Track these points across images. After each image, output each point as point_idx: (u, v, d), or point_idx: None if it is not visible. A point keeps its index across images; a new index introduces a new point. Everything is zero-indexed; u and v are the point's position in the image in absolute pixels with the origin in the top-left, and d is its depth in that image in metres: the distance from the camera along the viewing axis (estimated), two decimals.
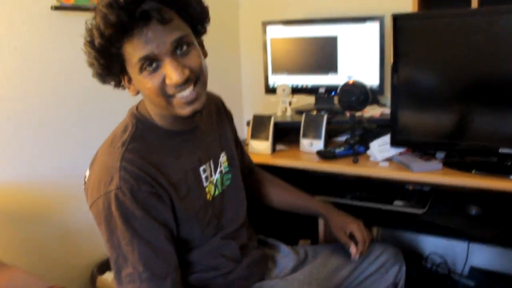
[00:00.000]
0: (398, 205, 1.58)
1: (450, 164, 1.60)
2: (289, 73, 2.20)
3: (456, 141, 1.59)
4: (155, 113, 1.17)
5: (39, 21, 1.81)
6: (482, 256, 2.14)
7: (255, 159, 1.83)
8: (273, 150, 1.90)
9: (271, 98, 2.20)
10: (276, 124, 1.92)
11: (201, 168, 1.22)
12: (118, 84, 1.17)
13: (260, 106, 2.52)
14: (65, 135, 1.92)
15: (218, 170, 1.28)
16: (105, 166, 1.10)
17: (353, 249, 1.39)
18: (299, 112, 2.11)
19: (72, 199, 1.94)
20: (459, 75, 1.57)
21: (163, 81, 1.05)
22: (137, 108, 1.21)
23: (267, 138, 1.89)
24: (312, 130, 1.88)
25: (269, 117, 1.91)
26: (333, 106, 2.13)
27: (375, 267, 1.46)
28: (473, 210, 1.51)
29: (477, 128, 1.55)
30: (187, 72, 1.05)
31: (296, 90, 2.18)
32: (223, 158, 1.31)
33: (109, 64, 1.07)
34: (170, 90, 1.06)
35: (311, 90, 2.18)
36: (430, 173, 1.55)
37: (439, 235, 1.54)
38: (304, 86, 2.18)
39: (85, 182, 1.17)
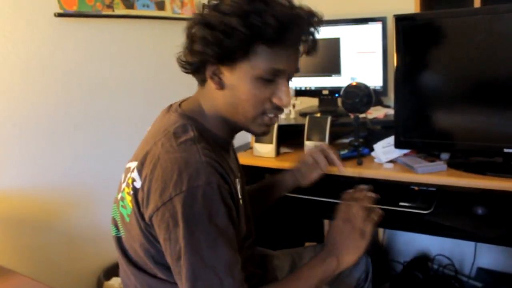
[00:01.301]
0: (404, 206, 1.58)
1: (454, 165, 1.60)
2: None
3: (460, 141, 1.58)
4: (214, 117, 1.14)
5: (43, 28, 1.82)
6: (489, 257, 2.12)
7: (260, 163, 1.83)
8: (277, 153, 1.90)
9: None
10: (280, 127, 1.92)
11: (237, 180, 1.18)
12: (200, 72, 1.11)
13: None
14: (70, 141, 1.93)
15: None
16: (185, 162, 1.00)
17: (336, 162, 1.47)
18: (303, 114, 2.11)
19: (77, 205, 1.95)
20: (462, 74, 1.57)
21: (269, 97, 1.08)
22: (180, 108, 1.17)
23: (271, 141, 1.89)
24: (316, 133, 1.87)
25: None
26: (337, 108, 2.13)
27: None
28: (479, 210, 1.50)
29: (482, 128, 1.54)
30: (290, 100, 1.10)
31: (299, 93, 2.17)
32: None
33: (234, 45, 1.01)
34: (268, 108, 1.09)
35: (314, 92, 2.18)
36: (434, 174, 1.55)
37: (445, 235, 1.53)
38: (308, 88, 2.18)
39: (136, 188, 1.08)
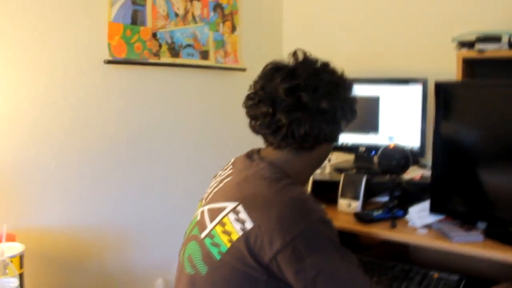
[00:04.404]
0: None
1: (492, 235, 1.56)
2: None
3: (498, 210, 1.55)
4: (304, 167, 1.31)
5: (92, 74, 1.91)
6: None
7: None
8: None
9: None
10: (315, 182, 1.93)
11: None
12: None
13: None
14: (108, 185, 1.98)
15: None
16: (299, 199, 1.15)
17: None
18: (338, 169, 2.11)
19: (110, 247, 1.98)
20: (502, 141, 1.55)
21: None
22: (262, 160, 1.28)
23: None
24: (350, 190, 1.87)
25: None
26: (373, 165, 2.12)
27: None
28: None
29: None
30: None
31: (336, 148, 2.19)
32: None
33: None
34: None
35: (351, 149, 2.19)
36: (470, 244, 1.51)
37: None
38: (344, 145, 2.19)
39: (247, 228, 1.13)
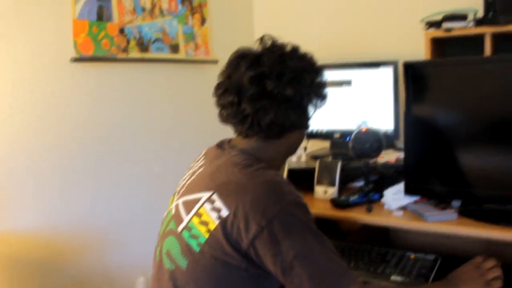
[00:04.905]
0: (396, 281, 1.43)
1: (466, 213, 1.56)
2: None
3: (471, 188, 1.55)
4: (275, 154, 1.30)
5: (59, 73, 1.88)
6: None
7: None
8: None
9: None
10: (291, 171, 1.91)
11: None
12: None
13: None
14: (81, 185, 1.96)
15: None
16: (273, 182, 1.16)
17: None
18: (314, 157, 2.10)
19: (87, 248, 1.96)
20: (472, 121, 1.55)
21: None
22: (233, 148, 1.28)
23: None
24: (326, 177, 1.86)
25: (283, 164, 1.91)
26: (348, 151, 2.12)
27: None
28: None
29: (493, 175, 1.51)
30: None
31: (311, 135, 2.18)
32: None
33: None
34: None
35: (326, 135, 2.18)
36: (445, 223, 1.51)
37: None
38: (319, 131, 2.18)
39: (223, 216, 1.13)
